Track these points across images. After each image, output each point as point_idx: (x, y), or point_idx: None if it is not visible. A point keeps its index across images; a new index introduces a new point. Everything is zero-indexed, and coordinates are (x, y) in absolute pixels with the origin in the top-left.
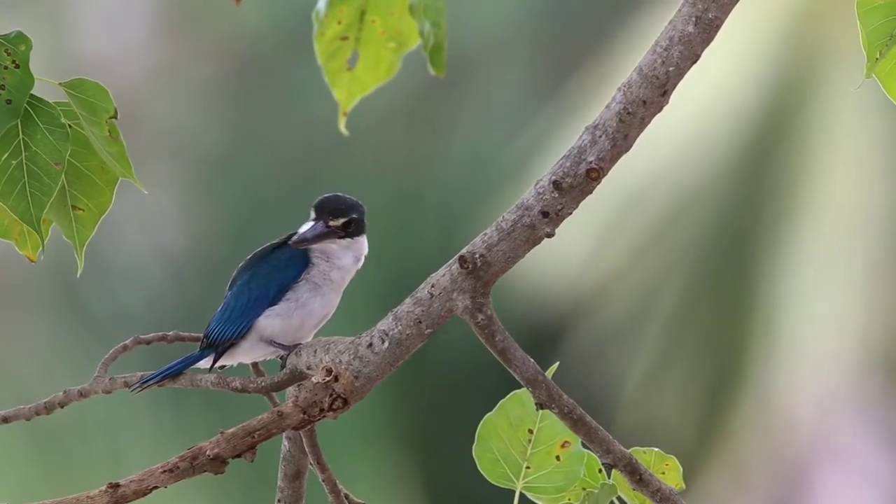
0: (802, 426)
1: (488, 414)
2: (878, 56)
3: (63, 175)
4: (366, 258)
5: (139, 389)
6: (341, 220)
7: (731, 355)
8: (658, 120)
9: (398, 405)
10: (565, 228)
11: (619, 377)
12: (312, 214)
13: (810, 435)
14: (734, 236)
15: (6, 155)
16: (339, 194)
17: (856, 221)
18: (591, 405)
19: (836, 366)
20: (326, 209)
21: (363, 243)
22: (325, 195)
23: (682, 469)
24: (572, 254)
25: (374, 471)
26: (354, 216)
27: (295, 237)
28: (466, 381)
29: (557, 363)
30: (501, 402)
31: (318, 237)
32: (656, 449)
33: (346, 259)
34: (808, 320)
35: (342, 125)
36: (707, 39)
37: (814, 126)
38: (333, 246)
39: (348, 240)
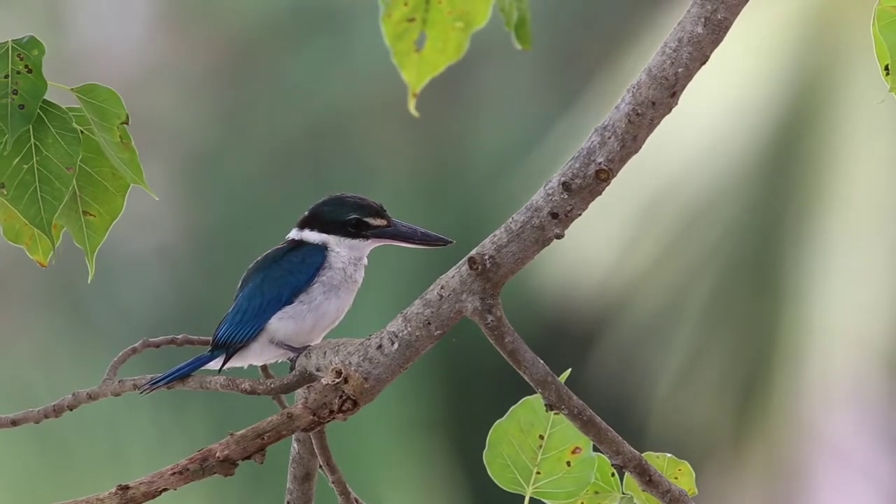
0: (805, 425)
1: (499, 420)
2: None
3: (74, 180)
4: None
5: (148, 391)
6: None
7: (762, 352)
8: (684, 119)
9: (428, 401)
10: (593, 229)
11: (651, 377)
12: (378, 221)
13: (812, 434)
14: (760, 233)
15: (18, 159)
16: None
17: (878, 216)
18: (624, 405)
19: (844, 364)
20: (383, 211)
21: None
22: (365, 200)
23: (694, 474)
24: (601, 255)
25: (398, 468)
26: None
27: (429, 237)
28: (485, 381)
29: (569, 370)
30: (513, 407)
31: None
32: (669, 455)
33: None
34: (832, 316)
35: (412, 106)
36: (716, 41)
37: (835, 122)
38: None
39: None
